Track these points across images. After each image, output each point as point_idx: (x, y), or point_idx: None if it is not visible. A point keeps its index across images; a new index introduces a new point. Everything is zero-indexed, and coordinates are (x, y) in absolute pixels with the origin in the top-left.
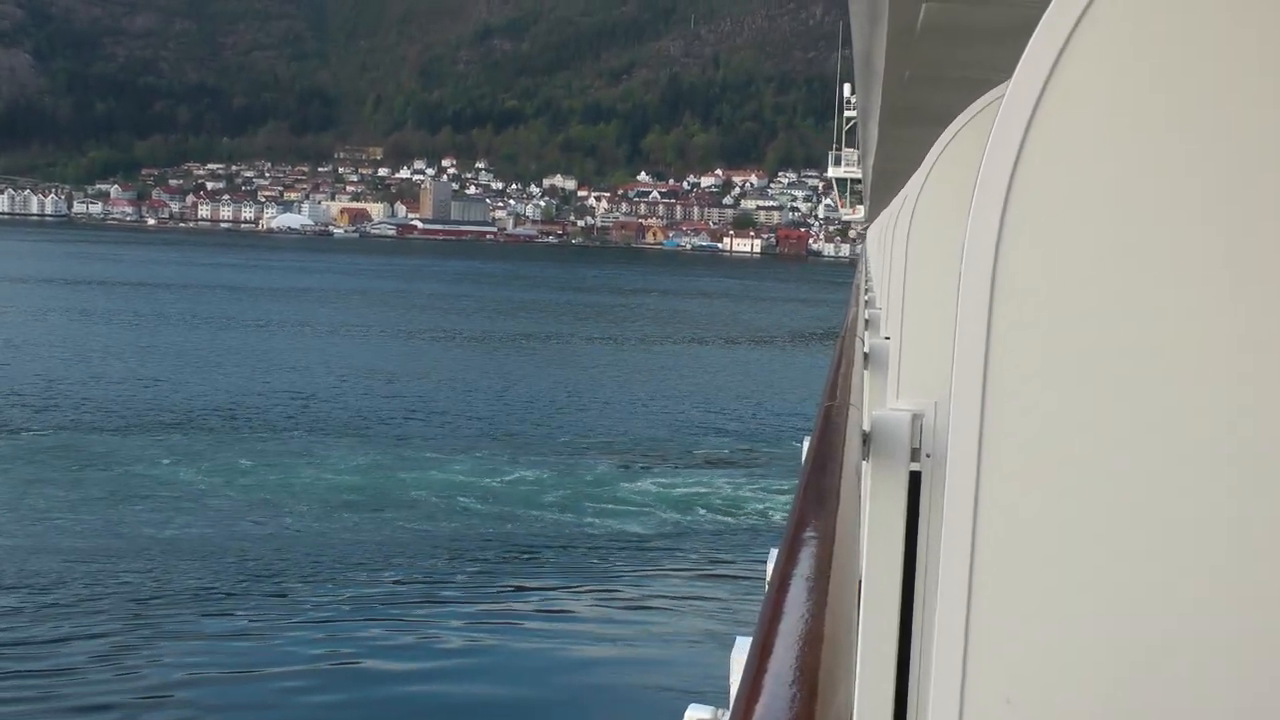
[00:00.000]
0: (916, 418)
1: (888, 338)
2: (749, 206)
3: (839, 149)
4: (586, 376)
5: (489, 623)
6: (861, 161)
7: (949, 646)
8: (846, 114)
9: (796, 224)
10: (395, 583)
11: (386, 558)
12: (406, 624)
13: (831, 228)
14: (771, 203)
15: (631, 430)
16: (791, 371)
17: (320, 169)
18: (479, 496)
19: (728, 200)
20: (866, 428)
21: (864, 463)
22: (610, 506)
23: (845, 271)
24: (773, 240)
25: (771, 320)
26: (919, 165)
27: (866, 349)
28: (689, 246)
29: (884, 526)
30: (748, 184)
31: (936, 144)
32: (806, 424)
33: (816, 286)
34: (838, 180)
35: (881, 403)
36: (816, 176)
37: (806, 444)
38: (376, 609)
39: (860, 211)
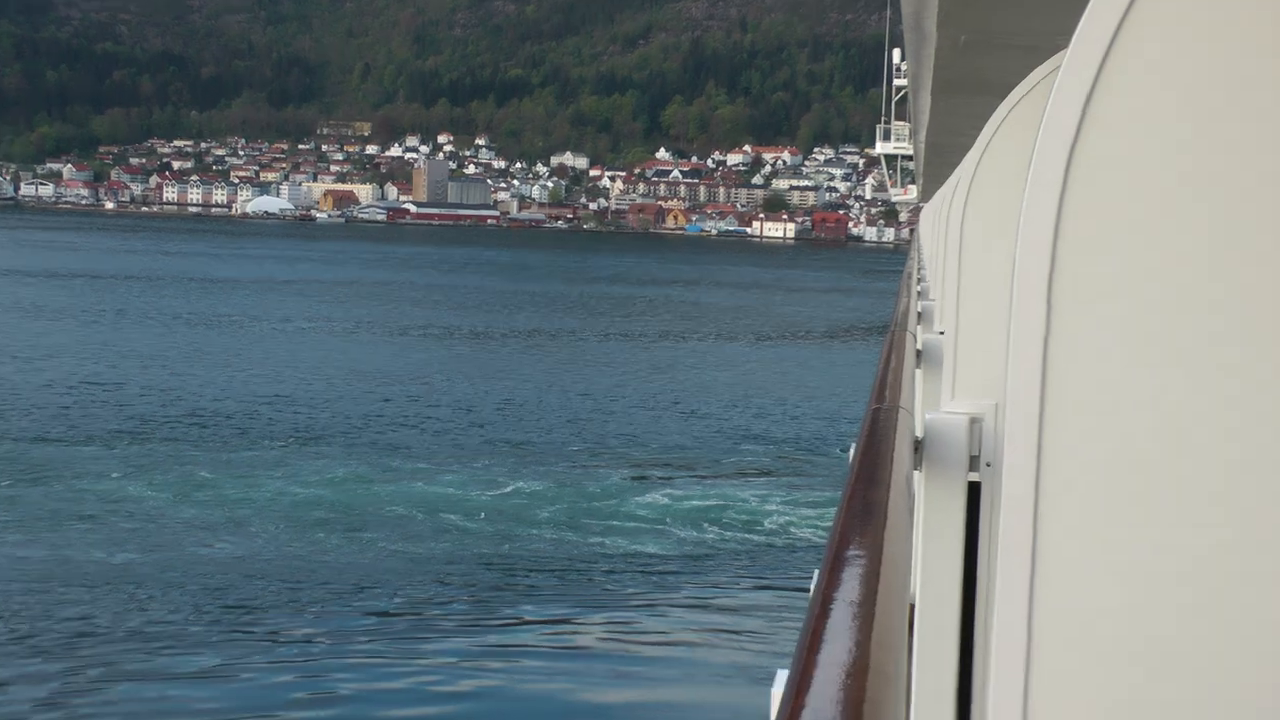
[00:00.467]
0: (975, 421)
1: (942, 332)
2: (781, 187)
3: (887, 122)
4: (599, 378)
5: (486, 661)
6: (913, 136)
7: (1010, 681)
8: (896, 83)
9: (834, 206)
10: (378, 615)
11: (368, 585)
12: (392, 663)
13: (874, 209)
14: (806, 182)
15: (650, 438)
16: (832, 371)
17: (301, 146)
18: (474, 513)
19: (757, 180)
20: (919, 433)
21: (916, 473)
22: (625, 524)
23: (889, 258)
24: (808, 224)
25: (807, 313)
26: (976, 140)
27: (919, 345)
28: (714, 231)
29: (939, 545)
30: (779, 161)
31: (993, 116)
32: (849, 430)
33: (858, 275)
34: (886, 157)
35: (936, 405)
36: (857, 152)
37: (851, 452)
38: (357, 645)
39: (912, 192)
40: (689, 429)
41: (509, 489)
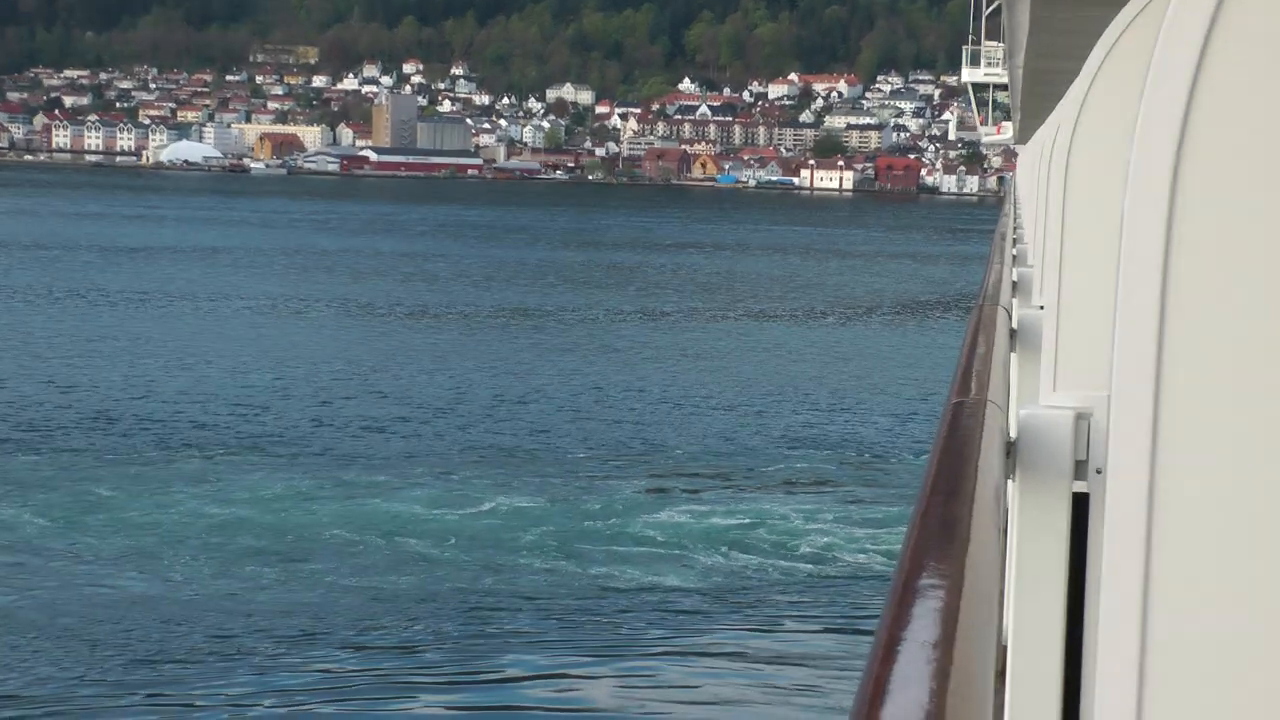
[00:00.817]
0: (1082, 418)
1: (1043, 307)
2: (836, 126)
3: (975, 42)
4: (608, 367)
5: None
6: (1008, 59)
7: None
8: None
9: (903, 149)
10: (326, 671)
11: (312, 633)
12: None
13: (954, 153)
14: (868, 120)
15: (672, 442)
16: (902, 357)
17: (229, 78)
18: (447, 538)
19: (806, 117)
20: (1012, 433)
21: (1008, 481)
22: (638, 550)
23: (974, 214)
24: (870, 172)
25: (870, 285)
26: (1085, 64)
27: (1014, 323)
28: (752, 182)
29: (1037, 571)
30: (834, 94)
31: (1106, 33)
32: (924, 431)
33: (935, 236)
34: (974, 86)
35: (1035, 398)
36: (932, 81)
37: (927, 457)
38: (300, 711)
39: (1006, 131)
40: (721, 431)
41: (492, 506)
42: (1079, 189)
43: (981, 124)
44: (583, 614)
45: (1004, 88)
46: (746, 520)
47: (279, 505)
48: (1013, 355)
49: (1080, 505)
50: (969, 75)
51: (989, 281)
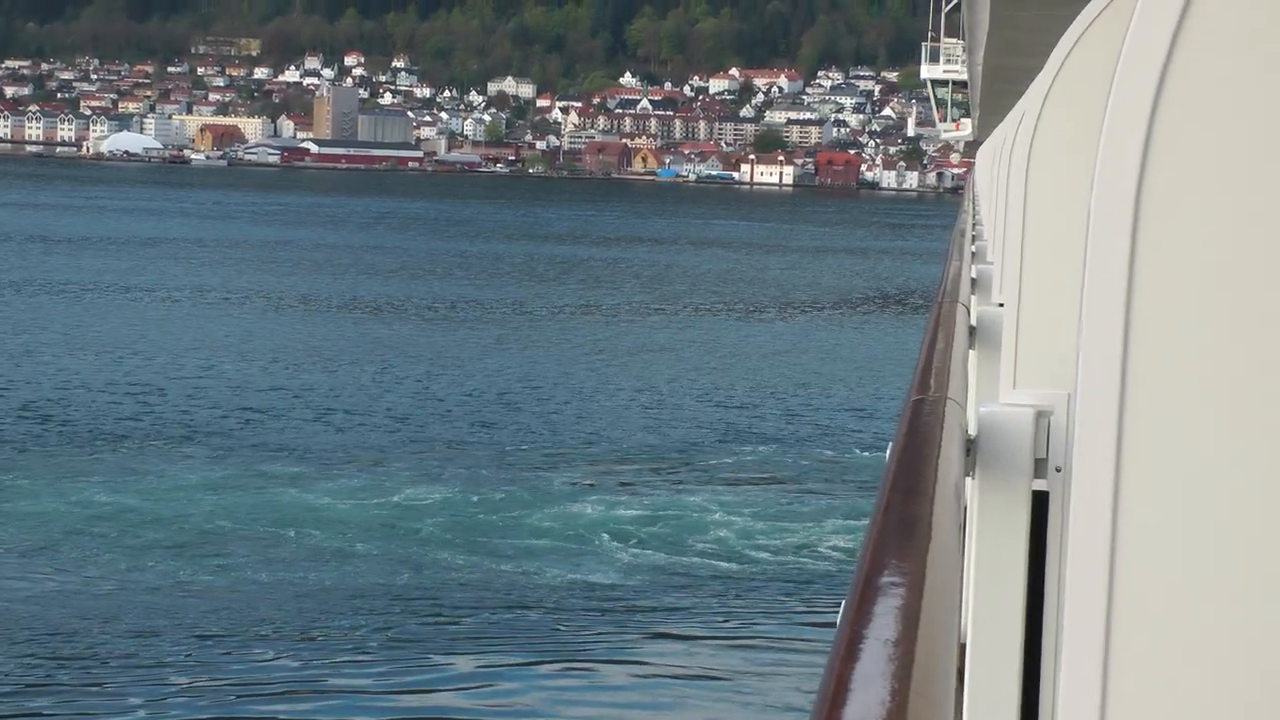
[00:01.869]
0: (1042, 416)
1: (1002, 304)
2: (776, 120)
3: (935, 39)
4: (546, 360)
5: None
6: (967, 56)
7: None
8: None
9: (844, 144)
10: (242, 669)
11: (228, 628)
12: None
13: (895, 148)
14: (809, 115)
15: (609, 435)
16: (843, 351)
17: (170, 69)
18: (376, 532)
19: (746, 112)
20: (972, 431)
21: (968, 479)
22: (574, 545)
23: (915, 210)
24: (810, 167)
25: (811, 280)
26: (1047, 62)
27: (973, 320)
28: (693, 177)
29: (996, 569)
30: (775, 89)
31: (1069, 31)
32: (867, 425)
33: (875, 232)
34: (934, 83)
35: (994, 395)
36: (873, 77)
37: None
38: (213, 707)
39: (966, 127)
40: (660, 425)
41: (421, 501)
42: (1040, 186)
43: (941, 120)
44: (518, 610)
45: (964, 84)
46: (684, 516)
47: (198, 498)
48: (972, 353)
49: (1040, 503)
50: (928, 72)
51: (948, 278)
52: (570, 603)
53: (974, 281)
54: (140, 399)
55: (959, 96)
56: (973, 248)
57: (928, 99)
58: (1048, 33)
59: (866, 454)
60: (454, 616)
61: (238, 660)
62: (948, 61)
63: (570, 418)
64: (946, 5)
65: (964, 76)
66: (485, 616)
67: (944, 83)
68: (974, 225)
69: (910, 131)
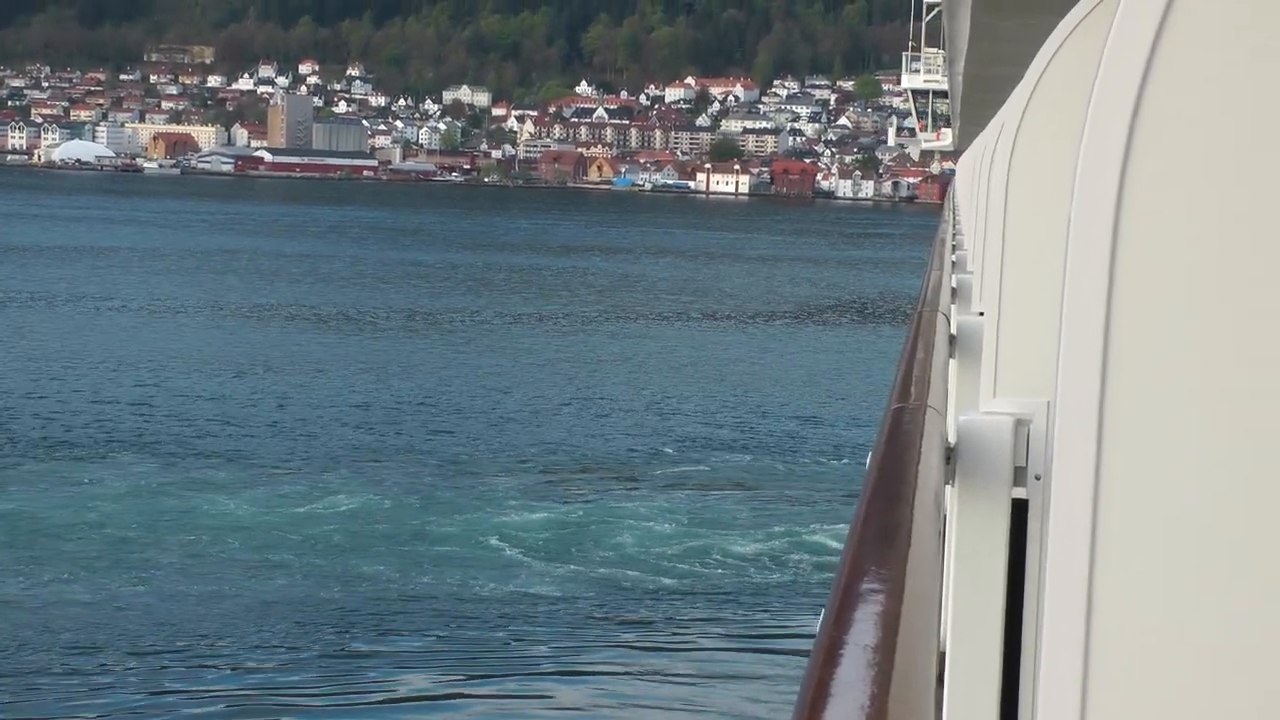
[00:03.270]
0: (1022, 424)
1: (982, 313)
2: (732, 129)
3: (915, 49)
4: (503, 370)
5: None
6: (948, 66)
7: None
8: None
9: (799, 153)
10: (177, 684)
11: (158, 642)
12: None
13: (850, 157)
14: (764, 124)
15: (565, 444)
16: (802, 359)
17: (123, 77)
18: (314, 540)
19: (702, 121)
20: (952, 439)
21: (948, 487)
22: (525, 557)
23: (870, 219)
24: (766, 176)
25: (768, 290)
26: (1026, 72)
27: (953, 329)
28: (649, 186)
29: (976, 577)
30: (730, 98)
31: (1048, 41)
32: (834, 433)
33: (832, 241)
34: (915, 93)
35: (974, 404)
36: (828, 86)
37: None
38: None
39: (947, 137)
40: (613, 435)
41: (366, 509)
42: (1020, 195)
43: (922, 130)
44: (467, 624)
45: (944, 94)
46: (634, 525)
47: (135, 508)
48: (952, 361)
49: (1020, 511)
50: (909, 81)
51: (928, 287)
52: (514, 614)
53: (954, 291)
54: (89, 408)
55: (940, 106)
56: (953, 257)
57: (886, 108)
58: (1028, 42)
59: (827, 461)
60: (396, 630)
61: (168, 675)
62: (928, 72)
63: (523, 427)
64: (927, 15)
65: (945, 86)
66: (425, 629)
67: (925, 93)
68: (955, 235)
69: (891, 141)
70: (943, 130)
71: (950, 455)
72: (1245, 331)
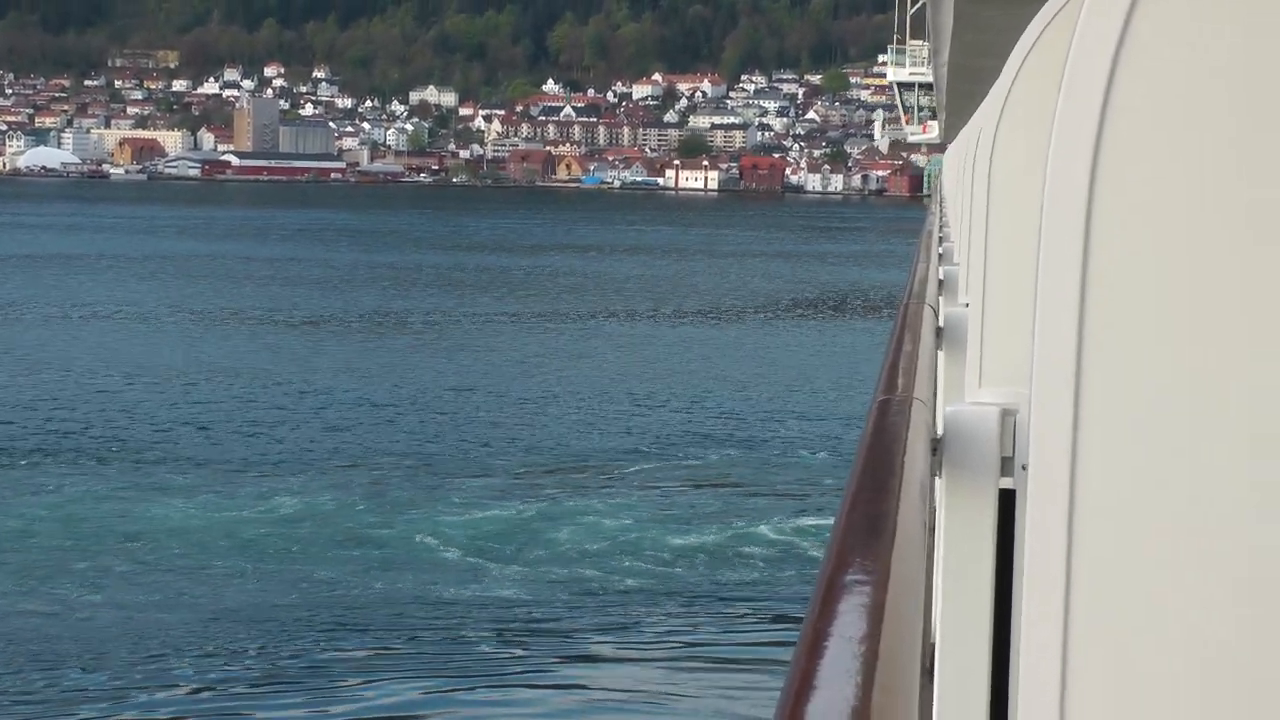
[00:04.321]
0: (1008, 414)
1: (968, 304)
2: (700, 125)
3: (900, 41)
4: (474, 370)
5: None
6: (933, 58)
7: None
8: None
9: (768, 148)
10: (133, 694)
11: (93, 653)
12: None
13: (819, 151)
14: (732, 119)
15: (535, 443)
16: (773, 354)
17: (88, 83)
18: (288, 547)
19: (670, 117)
20: (939, 430)
21: (935, 478)
22: (489, 557)
23: (839, 213)
24: (735, 172)
25: (739, 286)
26: (1006, 63)
27: (940, 321)
28: (617, 184)
29: (964, 566)
30: (698, 94)
31: (1025, 35)
32: (810, 427)
33: (802, 236)
34: (900, 85)
35: (961, 395)
36: (796, 80)
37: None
38: None
39: (933, 130)
40: (585, 432)
41: (325, 509)
42: (1002, 187)
43: (908, 123)
44: (438, 632)
45: (930, 87)
46: (606, 523)
47: (94, 515)
48: (939, 353)
49: (1007, 502)
50: (895, 74)
51: (915, 279)
52: (481, 616)
53: (941, 283)
54: (54, 414)
55: (925, 98)
56: (941, 250)
57: (854, 101)
58: (1013, 32)
59: (800, 455)
60: (358, 635)
61: (121, 688)
62: (914, 64)
63: (492, 427)
64: (912, 6)
65: (930, 78)
66: (389, 633)
67: (910, 85)
68: (941, 228)
69: (878, 134)
70: (928, 123)
71: (937, 446)
72: (1217, 320)
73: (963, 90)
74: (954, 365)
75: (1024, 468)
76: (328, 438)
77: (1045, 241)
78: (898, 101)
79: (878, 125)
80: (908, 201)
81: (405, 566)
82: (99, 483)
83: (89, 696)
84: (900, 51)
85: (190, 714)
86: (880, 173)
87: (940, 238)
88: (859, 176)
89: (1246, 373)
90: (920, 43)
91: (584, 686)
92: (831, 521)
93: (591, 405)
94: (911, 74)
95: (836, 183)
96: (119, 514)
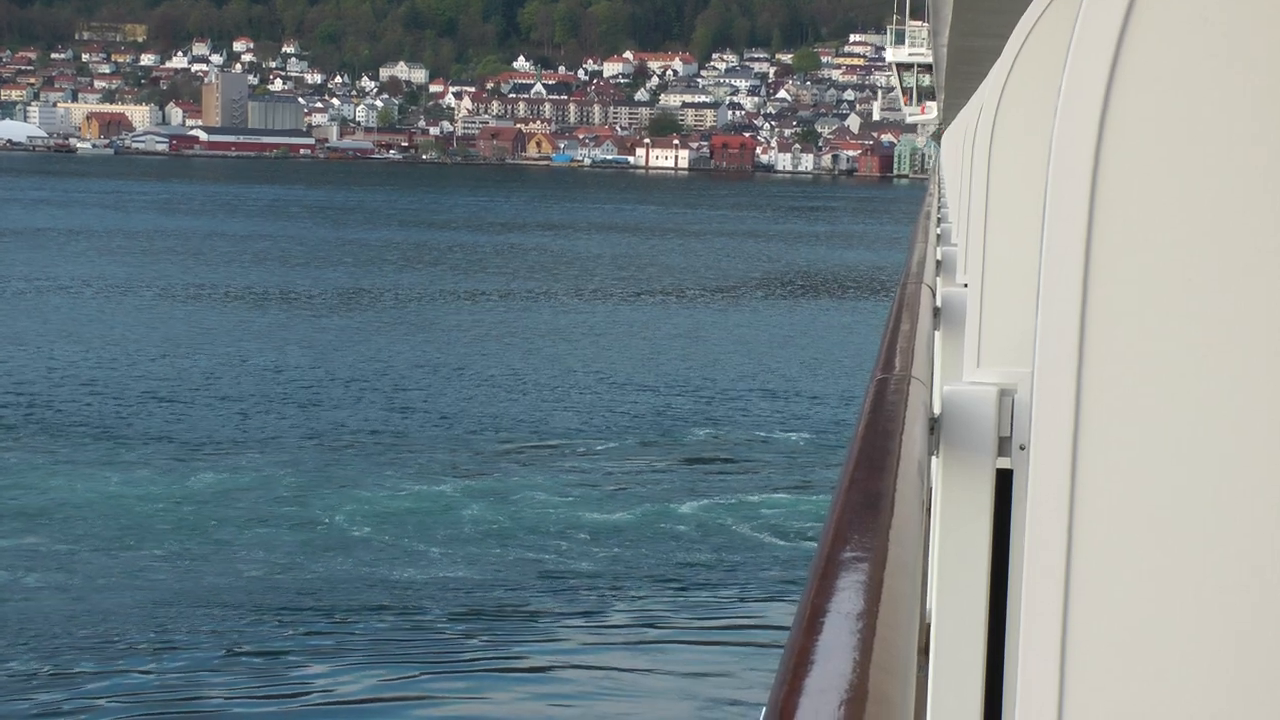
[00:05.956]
0: (1005, 394)
1: (966, 285)
2: (671, 104)
3: (900, 22)
4: (442, 347)
5: None
6: (932, 39)
7: (1044, 710)
8: None
9: (739, 127)
10: (103, 680)
11: (42, 637)
12: None
13: (789, 130)
14: (703, 98)
15: (502, 421)
16: (746, 333)
17: (55, 56)
18: (256, 527)
19: (641, 96)
20: (936, 409)
21: (932, 457)
22: (466, 542)
23: (809, 193)
24: (705, 151)
25: (710, 264)
26: (1007, 43)
27: (938, 301)
28: (588, 162)
29: (961, 544)
30: (669, 72)
31: (1026, 15)
32: (783, 406)
33: (773, 215)
34: (900, 66)
35: (958, 375)
36: (767, 59)
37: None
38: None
39: (932, 110)
40: (560, 411)
41: (285, 486)
42: (1002, 167)
43: (907, 104)
44: (388, 614)
45: (929, 68)
46: (573, 502)
47: (50, 490)
48: (937, 333)
49: (1004, 481)
50: (894, 55)
51: (913, 260)
52: (440, 597)
53: (939, 263)
54: (13, 388)
55: (924, 79)
56: (939, 230)
57: (826, 80)
58: (1012, 13)
59: (771, 434)
60: (322, 616)
61: (68, 673)
62: (913, 44)
63: (461, 405)
64: None
65: (929, 59)
66: (346, 614)
67: (910, 66)
68: (940, 208)
69: (876, 115)
70: (927, 104)
71: (934, 425)
72: (1221, 303)
73: (962, 71)
74: (952, 345)
75: (1022, 447)
76: (291, 414)
77: (1049, 219)
78: (897, 82)
79: (876, 106)
80: (878, 182)
81: (362, 546)
82: (51, 458)
83: (36, 685)
84: (900, 32)
85: (141, 700)
86: (851, 153)
87: (939, 218)
88: (829, 156)
89: (1253, 350)
90: (920, 23)
91: (545, 669)
92: (803, 498)
93: (559, 383)
94: (911, 55)
95: (807, 162)
96: (68, 490)
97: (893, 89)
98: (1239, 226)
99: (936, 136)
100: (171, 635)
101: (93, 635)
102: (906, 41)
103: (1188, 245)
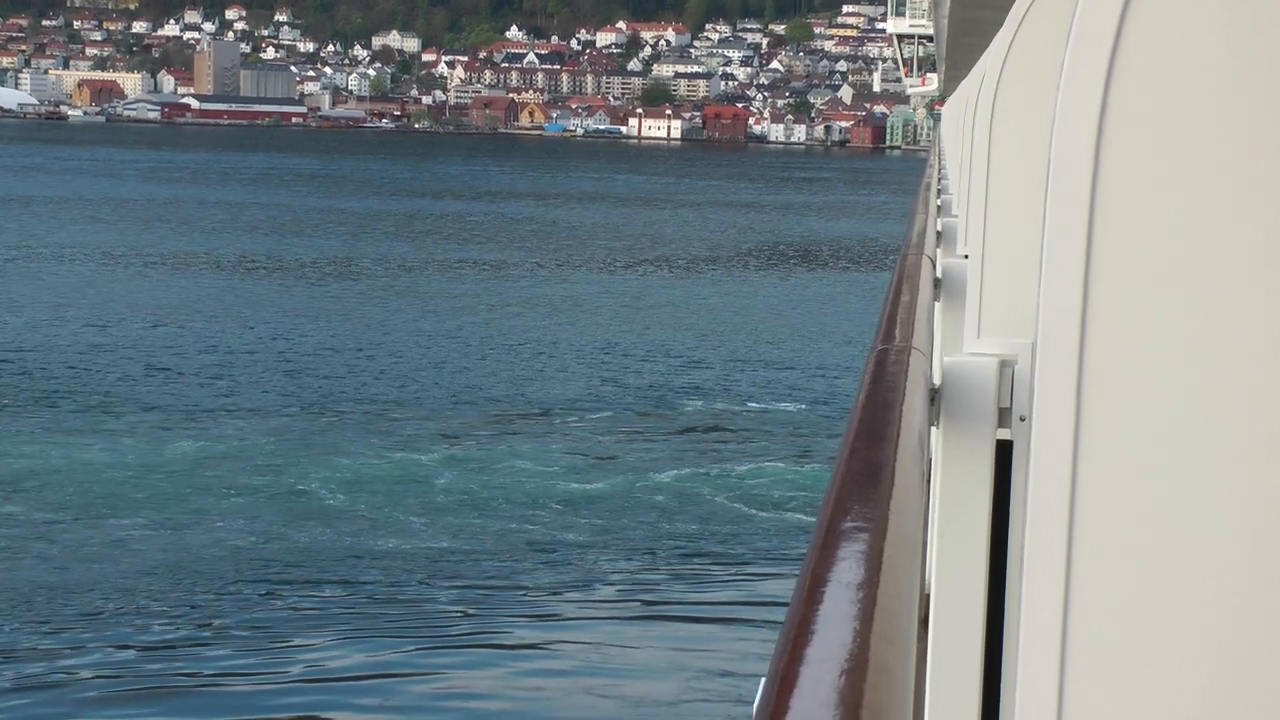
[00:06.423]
0: (1006, 365)
1: (967, 256)
2: (664, 74)
3: None
4: (434, 317)
5: None
6: (933, 10)
7: (1043, 683)
8: None
9: (731, 98)
10: (83, 656)
11: (20, 605)
12: None
13: (782, 101)
14: (695, 68)
15: (496, 391)
16: (739, 303)
17: (46, 23)
18: (242, 495)
19: (634, 65)
20: (936, 380)
21: (932, 428)
22: (438, 506)
23: (802, 163)
24: (698, 121)
25: (701, 234)
26: (1009, 15)
27: (938, 272)
28: (580, 131)
29: (960, 518)
30: (662, 42)
31: None
32: (775, 377)
33: (765, 185)
34: (900, 37)
35: (959, 346)
36: (760, 30)
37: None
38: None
39: (932, 82)
40: (551, 381)
41: (274, 455)
42: (1003, 139)
43: (907, 76)
44: (384, 590)
45: (930, 38)
46: (555, 472)
47: (36, 458)
48: (938, 305)
49: (1004, 452)
50: (894, 25)
51: (913, 231)
52: (431, 569)
53: (939, 234)
54: (3, 356)
55: (923, 51)
56: (939, 201)
57: (818, 51)
58: None
59: (767, 405)
60: (300, 590)
61: (50, 644)
62: (914, 15)
63: (452, 374)
64: None
65: (930, 30)
66: (331, 585)
67: (910, 37)
68: (940, 180)
69: (877, 86)
70: (928, 75)
71: (935, 396)
72: (1223, 276)
73: (963, 42)
74: (952, 317)
75: (1022, 419)
76: (279, 382)
77: (1052, 190)
78: (897, 54)
79: (876, 76)
80: (870, 153)
81: (348, 516)
82: (33, 424)
83: (15, 656)
84: (900, 4)
85: (122, 670)
86: (843, 124)
87: (940, 189)
88: (822, 127)
89: (1256, 323)
90: None
91: (536, 645)
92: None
93: (551, 353)
94: (912, 26)
95: (799, 133)
96: (49, 457)
97: (888, 60)
98: (1243, 196)
99: (931, 108)
100: (153, 605)
101: (73, 605)
102: (907, 13)
103: (1191, 217)
